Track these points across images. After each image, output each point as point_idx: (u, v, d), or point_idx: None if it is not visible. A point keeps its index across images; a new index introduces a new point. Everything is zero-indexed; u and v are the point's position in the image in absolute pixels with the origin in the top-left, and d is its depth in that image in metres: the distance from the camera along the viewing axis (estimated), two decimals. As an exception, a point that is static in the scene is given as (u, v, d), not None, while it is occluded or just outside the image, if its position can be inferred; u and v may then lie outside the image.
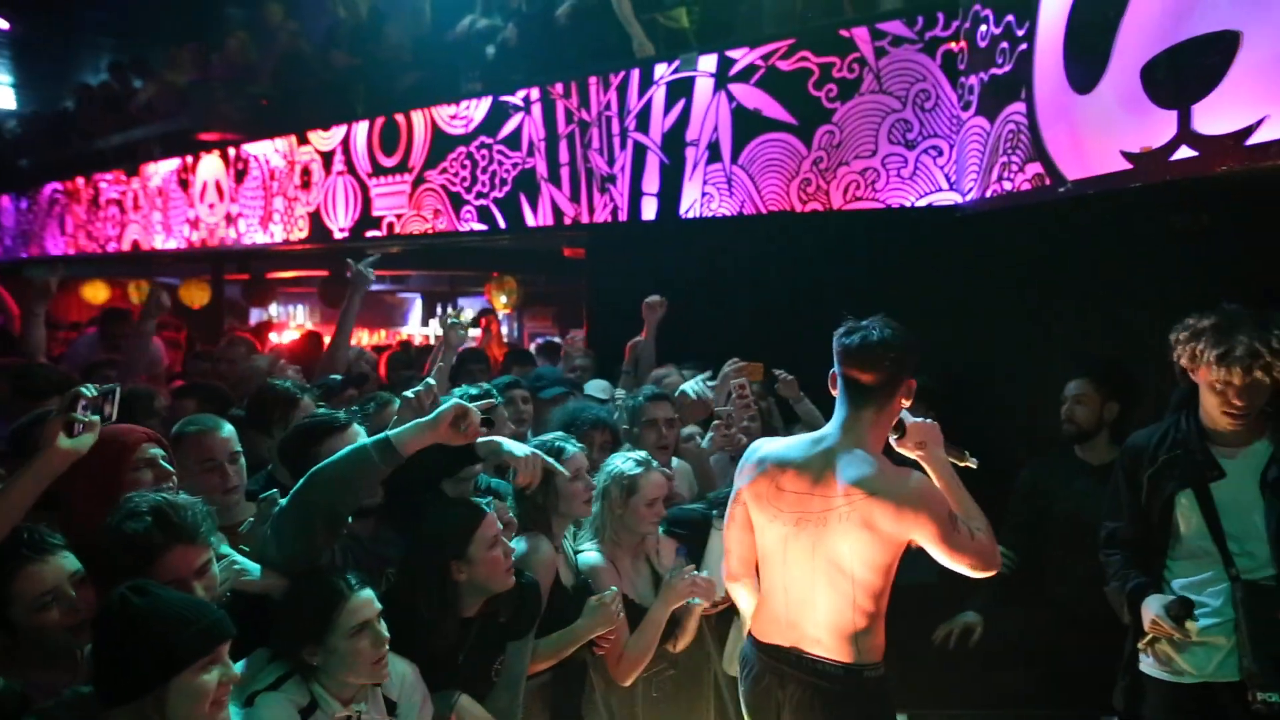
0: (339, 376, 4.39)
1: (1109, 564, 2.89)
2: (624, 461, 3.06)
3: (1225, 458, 2.66)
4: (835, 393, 2.47)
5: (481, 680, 2.59)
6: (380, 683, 2.28)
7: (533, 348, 7.17)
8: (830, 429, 2.46)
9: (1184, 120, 2.63)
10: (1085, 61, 3.02)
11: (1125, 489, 2.83)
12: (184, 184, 9.45)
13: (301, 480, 2.28)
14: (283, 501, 2.34)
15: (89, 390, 2.05)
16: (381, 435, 2.29)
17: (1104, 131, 2.93)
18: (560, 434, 3.08)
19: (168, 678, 1.78)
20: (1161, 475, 2.71)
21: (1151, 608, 2.68)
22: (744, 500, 2.57)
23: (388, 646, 2.24)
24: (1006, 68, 3.59)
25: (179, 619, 1.82)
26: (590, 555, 3.07)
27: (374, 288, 12.76)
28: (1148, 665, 2.77)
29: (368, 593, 2.23)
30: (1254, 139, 2.43)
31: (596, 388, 4.26)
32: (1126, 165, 2.81)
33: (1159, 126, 2.68)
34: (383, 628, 2.23)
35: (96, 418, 2.04)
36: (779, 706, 2.48)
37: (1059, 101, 3.20)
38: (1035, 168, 3.35)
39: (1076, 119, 3.11)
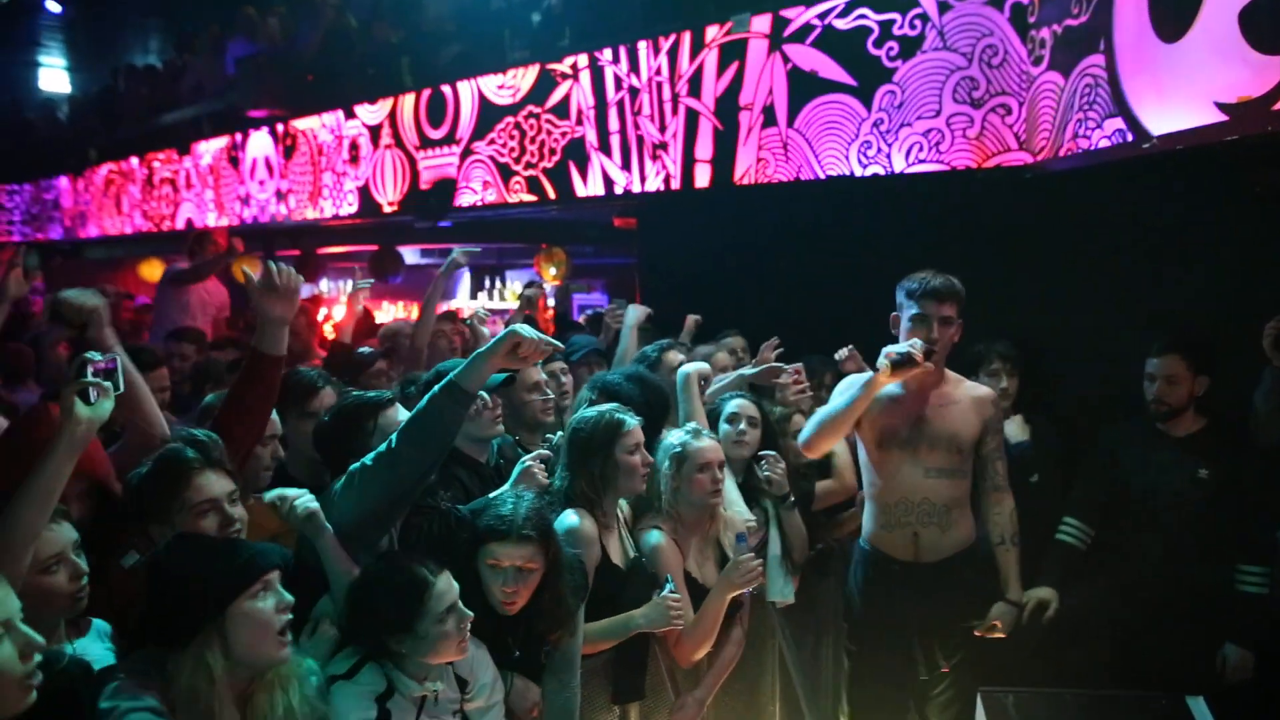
0: (368, 349, 4.39)
1: None
2: (674, 434, 3.11)
3: None
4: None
5: (532, 664, 2.56)
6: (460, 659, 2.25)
7: (581, 319, 7.11)
8: None
9: (1286, 67, 2.46)
10: (1173, 7, 2.84)
11: None
12: (234, 161, 9.52)
13: (393, 436, 2.26)
14: (366, 460, 2.29)
15: (94, 356, 2.03)
16: (445, 381, 2.25)
17: (1195, 82, 2.75)
18: (617, 405, 3.02)
19: (224, 607, 1.84)
20: None
21: None
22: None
23: (470, 623, 2.21)
24: (1083, 18, 3.41)
25: (223, 553, 1.93)
26: (652, 533, 3.00)
27: (420, 261, 12.73)
28: None
29: (448, 575, 2.20)
30: (1367, 85, 2.26)
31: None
32: (1221, 117, 2.64)
33: (1259, 74, 2.50)
34: (464, 607, 2.21)
35: (109, 383, 2.01)
36: None
37: (1143, 51, 3.02)
38: (1115, 123, 3.17)
39: (1162, 70, 2.93)
